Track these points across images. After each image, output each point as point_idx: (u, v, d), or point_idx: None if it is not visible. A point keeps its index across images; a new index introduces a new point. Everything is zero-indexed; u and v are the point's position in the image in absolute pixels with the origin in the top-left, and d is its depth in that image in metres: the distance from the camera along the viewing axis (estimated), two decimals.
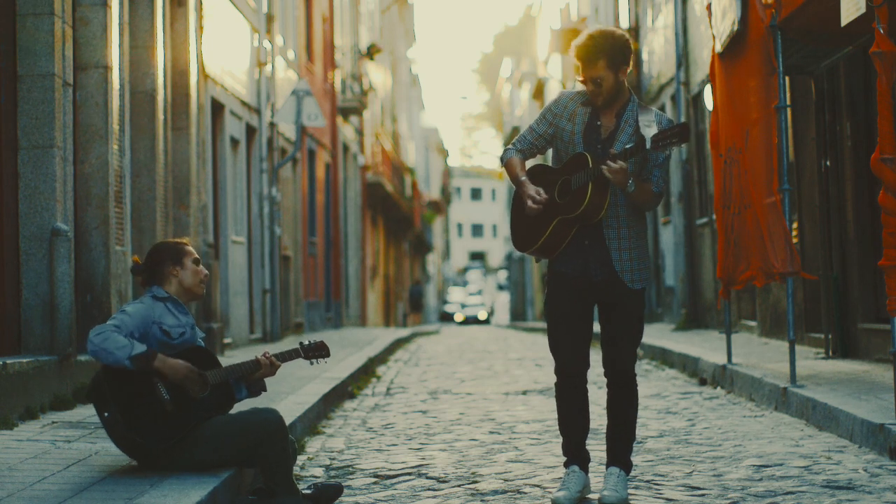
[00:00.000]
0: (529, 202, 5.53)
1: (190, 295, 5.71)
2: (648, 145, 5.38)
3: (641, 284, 5.61)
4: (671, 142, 5.37)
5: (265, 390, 5.80)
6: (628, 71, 5.56)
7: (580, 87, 5.72)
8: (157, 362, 5.35)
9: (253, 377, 5.69)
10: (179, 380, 5.38)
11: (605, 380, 5.73)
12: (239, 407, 5.70)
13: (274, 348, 15.62)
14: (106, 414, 5.34)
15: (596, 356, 5.76)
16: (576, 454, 5.66)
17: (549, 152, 5.83)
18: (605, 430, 5.78)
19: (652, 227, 21.19)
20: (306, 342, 5.85)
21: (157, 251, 5.74)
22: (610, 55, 5.47)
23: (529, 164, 5.80)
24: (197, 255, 5.77)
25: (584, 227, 5.55)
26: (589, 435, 5.75)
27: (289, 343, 17.24)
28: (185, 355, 5.50)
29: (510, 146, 5.76)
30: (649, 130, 5.46)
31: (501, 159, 5.78)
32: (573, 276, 5.59)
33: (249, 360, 5.66)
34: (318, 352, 5.84)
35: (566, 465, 5.67)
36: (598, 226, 5.55)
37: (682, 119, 18.20)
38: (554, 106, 5.68)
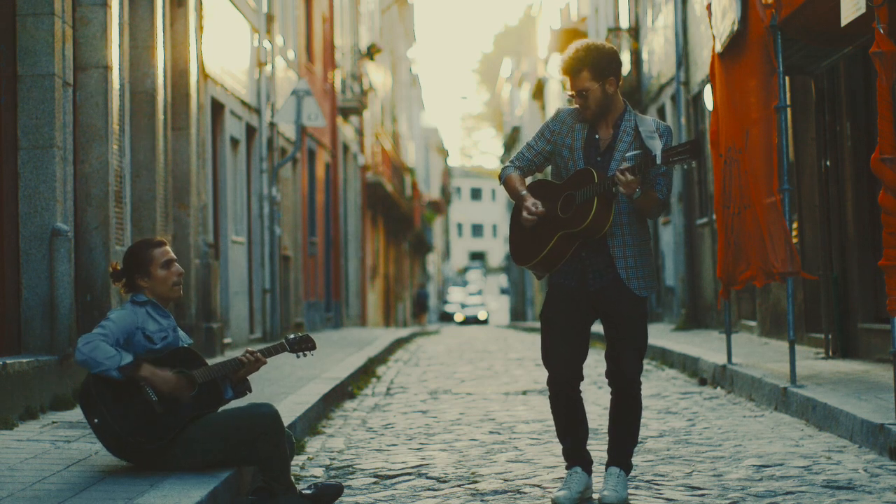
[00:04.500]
0: (524, 213, 5.52)
1: (165, 300, 5.67)
2: (659, 160, 5.35)
3: (648, 292, 5.60)
4: (682, 158, 5.31)
5: (250, 391, 5.80)
6: (619, 83, 5.55)
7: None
8: (144, 372, 5.36)
9: (237, 375, 5.68)
10: (168, 391, 5.39)
11: (605, 379, 5.73)
12: (235, 403, 5.70)
13: None
14: (96, 420, 5.34)
15: (598, 356, 5.75)
16: (577, 457, 5.65)
17: (548, 170, 5.82)
18: (605, 430, 5.77)
19: (652, 228, 21.18)
20: (291, 336, 5.86)
21: (126, 260, 5.67)
22: (593, 66, 5.46)
23: (528, 180, 5.79)
24: (169, 256, 5.66)
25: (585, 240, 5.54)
26: (589, 435, 5.75)
27: None
28: (170, 356, 5.53)
29: (508, 164, 5.75)
30: (654, 143, 5.44)
31: (500, 177, 5.77)
32: (570, 288, 5.58)
33: (233, 359, 5.66)
34: (303, 345, 5.84)
35: (568, 466, 5.67)
36: (601, 236, 5.54)
37: (682, 119, 18.20)
38: (552, 123, 5.67)
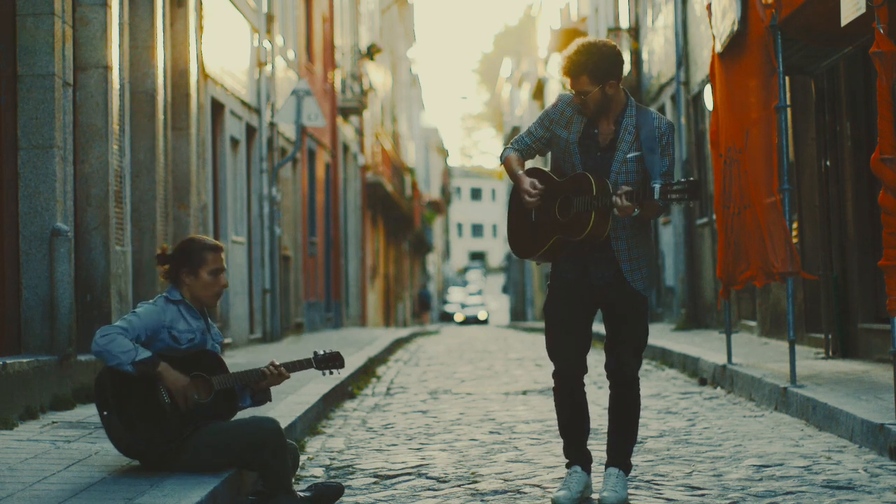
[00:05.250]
0: (526, 193, 5.53)
1: (200, 303, 5.63)
2: (657, 196, 5.34)
3: (651, 290, 5.64)
4: (680, 196, 5.29)
5: (270, 400, 5.77)
6: (619, 82, 5.54)
7: None
8: (159, 369, 5.34)
9: (259, 386, 5.65)
10: (177, 392, 5.37)
11: (606, 380, 5.73)
12: (239, 414, 5.68)
13: (274, 348, 15.64)
14: (105, 413, 5.34)
15: (598, 357, 5.75)
16: (577, 455, 5.66)
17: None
18: (605, 431, 5.78)
19: (652, 228, 21.13)
20: (321, 352, 5.75)
21: (181, 250, 5.61)
22: (592, 70, 5.46)
23: (529, 164, 5.80)
24: (221, 265, 5.60)
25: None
26: (589, 435, 5.75)
27: (289, 343, 17.24)
28: (193, 358, 5.48)
29: (509, 146, 5.78)
30: (653, 158, 5.44)
31: (500, 157, 5.80)
32: (573, 280, 5.59)
33: (255, 369, 5.61)
34: (332, 362, 5.74)
35: (568, 465, 5.67)
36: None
37: (682, 119, 18.20)
38: (552, 111, 5.68)
